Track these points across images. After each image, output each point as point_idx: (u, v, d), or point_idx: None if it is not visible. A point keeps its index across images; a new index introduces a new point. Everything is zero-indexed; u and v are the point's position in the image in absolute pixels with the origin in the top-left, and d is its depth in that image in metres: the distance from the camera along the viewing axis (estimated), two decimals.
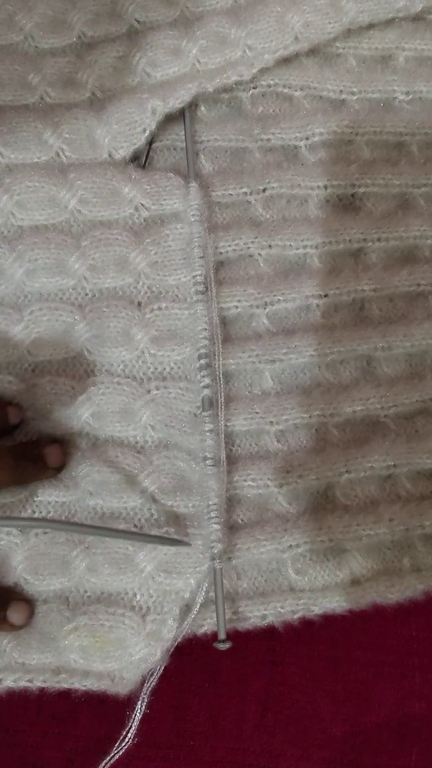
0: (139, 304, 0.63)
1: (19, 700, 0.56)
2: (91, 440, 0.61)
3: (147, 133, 0.66)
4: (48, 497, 0.59)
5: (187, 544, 0.57)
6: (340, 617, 0.58)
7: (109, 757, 0.55)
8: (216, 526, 0.57)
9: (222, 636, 0.55)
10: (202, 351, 0.61)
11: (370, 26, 0.70)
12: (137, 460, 0.60)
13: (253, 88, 0.69)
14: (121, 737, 0.55)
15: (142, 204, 0.65)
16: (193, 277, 0.62)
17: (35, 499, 0.59)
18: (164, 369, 0.62)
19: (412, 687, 0.59)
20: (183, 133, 0.67)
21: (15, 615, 0.56)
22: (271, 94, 0.69)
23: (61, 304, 0.62)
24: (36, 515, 0.59)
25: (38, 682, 0.55)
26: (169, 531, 0.58)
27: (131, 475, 0.59)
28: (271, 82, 0.69)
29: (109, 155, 0.66)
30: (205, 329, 0.61)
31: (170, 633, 0.56)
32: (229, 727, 0.58)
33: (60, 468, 0.60)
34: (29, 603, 0.57)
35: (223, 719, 0.58)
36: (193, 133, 0.68)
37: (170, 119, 0.67)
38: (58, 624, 0.56)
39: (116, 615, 0.56)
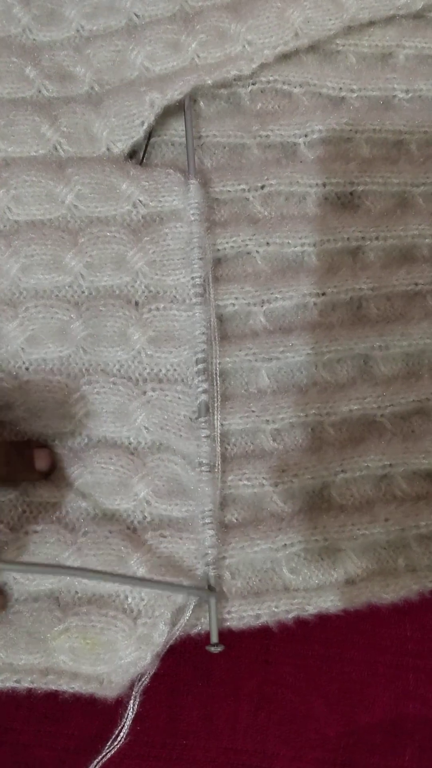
0: (137, 303, 0.63)
1: (10, 699, 0.56)
2: (84, 440, 0.61)
3: (145, 126, 0.66)
4: (39, 498, 0.59)
5: (212, 593, 0.57)
6: (335, 617, 0.57)
7: (101, 756, 0.55)
8: (210, 532, 0.57)
9: (214, 640, 0.55)
10: (200, 356, 0.60)
11: (371, 23, 0.70)
12: (131, 461, 0.59)
13: (252, 84, 0.69)
14: (114, 736, 0.55)
15: (140, 200, 0.64)
16: (192, 278, 0.62)
17: (26, 499, 0.59)
18: (160, 371, 0.62)
19: (406, 687, 0.59)
20: (181, 128, 0.67)
21: (39, 461, 0.58)
22: (271, 90, 0.69)
23: (56, 302, 0.61)
24: (26, 515, 0.59)
25: (25, 683, 0.55)
26: (164, 534, 0.58)
27: (125, 477, 0.59)
28: (271, 78, 0.68)
29: (107, 149, 0.65)
30: (203, 333, 0.61)
31: (161, 637, 0.55)
32: (222, 727, 0.58)
33: (48, 472, 0.59)
34: (48, 447, 0.59)
35: (216, 719, 0.58)
36: (176, 125, 0.68)
37: (169, 114, 0.67)
38: (48, 624, 0.56)
39: (108, 617, 0.56)
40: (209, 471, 0.58)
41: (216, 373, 0.61)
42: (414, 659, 0.60)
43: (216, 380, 0.61)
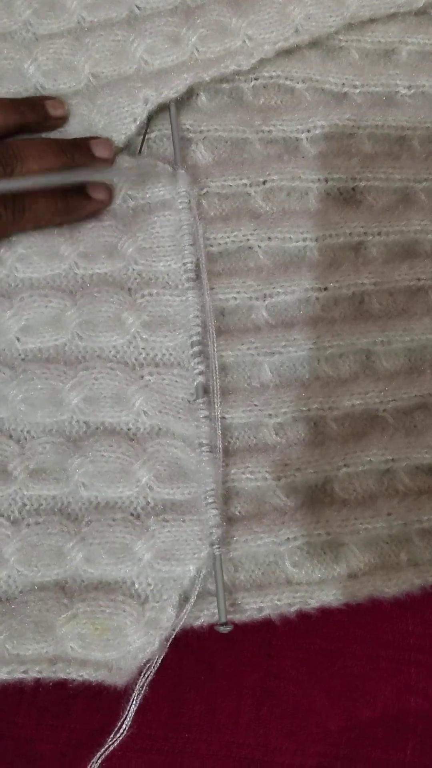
0: (130, 289, 0.63)
1: (12, 692, 0.56)
2: (82, 428, 0.61)
3: (137, 122, 0.66)
4: (39, 491, 0.59)
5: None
6: (337, 611, 0.57)
7: (103, 750, 0.54)
8: (214, 511, 0.57)
9: (223, 619, 0.55)
10: (195, 338, 0.61)
11: (373, 20, 0.70)
12: (131, 447, 0.59)
13: (255, 79, 0.68)
14: (116, 729, 0.54)
15: (128, 195, 0.65)
16: (183, 264, 0.62)
17: (25, 493, 0.59)
18: (156, 355, 0.62)
19: (408, 682, 0.59)
20: (184, 122, 0.67)
21: (98, 150, 0.64)
22: (273, 85, 0.69)
23: (51, 291, 0.62)
24: (27, 508, 0.59)
25: (33, 673, 0.54)
26: (167, 518, 0.57)
27: (126, 463, 0.59)
28: (273, 74, 0.68)
29: None
30: (197, 317, 0.61)
31: (169, 621, 0.55)
32: (225, 720, 0.58)
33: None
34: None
35: (218, 712, 0.58)
36: (183, 123, 0.67)
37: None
38: (55, 612, 0.56)
39: (116, 602, 0.56)
40: (210, 451, 0.58)
41: (214, 355, 0.61)
42: (416, 653, 0.60)
43: (214, 361, 0.61)
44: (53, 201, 0.61)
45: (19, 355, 0.61)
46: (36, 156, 0.60)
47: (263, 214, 0.66)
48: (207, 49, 0.67)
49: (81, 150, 0.63)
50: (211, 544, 0.57)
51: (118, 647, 0.55)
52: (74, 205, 0.62)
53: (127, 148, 0.67)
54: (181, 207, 0.63)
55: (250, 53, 0.67)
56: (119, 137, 0.66)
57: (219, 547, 0.56)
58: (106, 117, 0.65)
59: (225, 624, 0.55)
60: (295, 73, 0.68)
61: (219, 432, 0.60)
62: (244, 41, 0.67)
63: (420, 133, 0.68)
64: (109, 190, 0.64)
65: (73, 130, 0.66)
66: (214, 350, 0.61)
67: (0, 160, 0.59)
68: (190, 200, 0.63)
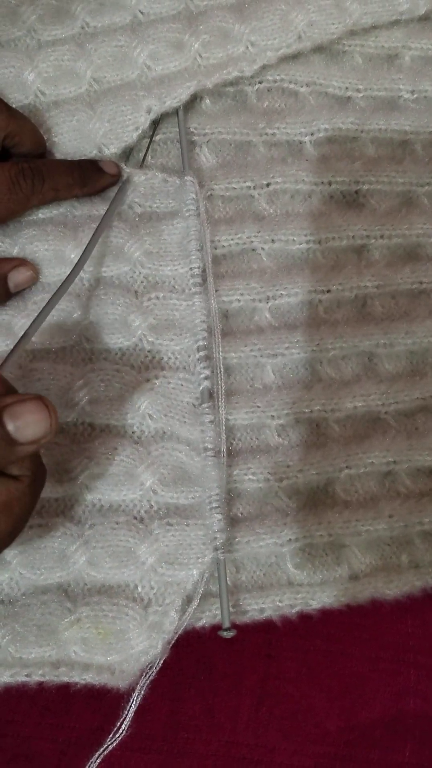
0: (136, 292, 0.63)
1: (12, 691, 0.55)
2: (87, 430, 0.60)
3: (139, 131, 0.66)
4: (42, 493, 0.58)
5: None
6: (338, 612, 0.58)
7: (102, 749, 0.54)
8: (218, 516, 0.57)
9: (226, 624, 0.55)
10: (201, 343, 0.61)
11: (376, 25, 0.70)
12: (135, 451, 0.59)
13: (259, 82, 0.69)
14: (115, 729, 0.54)
15: (135, 202, 0.65)
16: (191, 269, 0.62)
17: None
18: (162, 358, 0.62)
19: (407, 683, 0.59)
20: (189, 125, 0.68)
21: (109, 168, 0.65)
22: (277, 89, 0.69)
23: None
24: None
25: (36, 677, 0.54)
26: (171, 522, 0.57)
27: (130, 466, 0.59)
28: (277, 77, 0.69)
29: (99, 150, 0.66)
30: (204, 321, 0.61)
31: (172, 625, 0.55)
32: (224, 721, 0.58)
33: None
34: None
35: (217, 712, 0.58)
36: (187, 126, 0.68)
37: (175, 112, 0.67)
38: (58, 616, 0.56)
39: (119, 606, 0.56)
40: (215, 456, 0.58)
41: (219, 360, 0.61)
42: (415, 655, 0.60)
43: (219, 367, 0.61)
44: (70, 172, 0.63)
45: (27, 354, 0.61)
46: (54, 173, 0.62)
47: (267, 217, 0.66)
48: (210, 55, 0.68)
49: (91, 167, 0.64)
50: (215, 549, 0.57)
51: (121, 651, 0.55)
52: (90, 176, 0.64)
53: (131, 152, 0.68)
54: (188, 214, 0.63)
55: (252, 59, 0.67)
56: (119, 146, 0.66)
57: (223, 552, 0.57)
58: (108, 125, 0.66)
59: (228, 629, 0.55)
60: (299, 76, 0.69)
61: (223, 437, 0.60)
62: (247, 47, 0.68)
63: (423, 137, 0.69)
64: (118, 166, 0.65)
65: (70, 137, 0.66)
66: (219, 356, 0.61)
67: (30, 179, 0.61)
68: (198, 207, 0.64)
